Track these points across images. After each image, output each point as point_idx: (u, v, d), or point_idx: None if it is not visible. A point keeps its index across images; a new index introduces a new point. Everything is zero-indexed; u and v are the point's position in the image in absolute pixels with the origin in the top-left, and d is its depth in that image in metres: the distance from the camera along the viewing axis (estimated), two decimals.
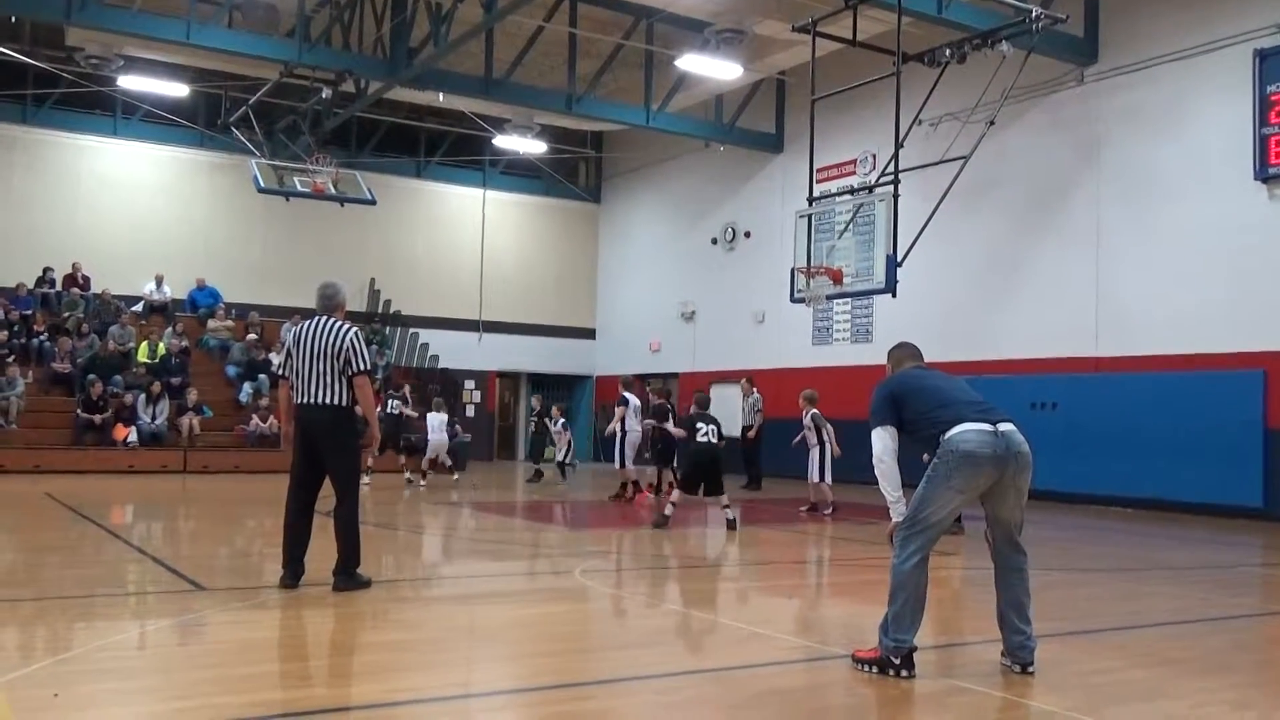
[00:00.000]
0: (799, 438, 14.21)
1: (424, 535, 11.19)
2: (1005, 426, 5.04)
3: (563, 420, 19.86)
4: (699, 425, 11.55)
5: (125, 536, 10.56)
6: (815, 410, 13.79)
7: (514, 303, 27.76)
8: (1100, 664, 5.50)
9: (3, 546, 9.75)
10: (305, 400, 7.06)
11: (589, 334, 28.94)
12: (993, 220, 18.32)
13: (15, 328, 21.10)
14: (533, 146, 23.94)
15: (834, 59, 17.24)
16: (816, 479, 13.76)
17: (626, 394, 15.51)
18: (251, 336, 23.11)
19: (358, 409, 7.18)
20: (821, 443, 13.79)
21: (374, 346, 23.73)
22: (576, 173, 29.07)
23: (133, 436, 19.57)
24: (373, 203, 20.10)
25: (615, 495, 15.41)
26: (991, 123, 14.18)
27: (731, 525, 11.57)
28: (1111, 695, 4.86)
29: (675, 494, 11.79)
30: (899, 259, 13.26)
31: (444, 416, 18.01)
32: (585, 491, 16.90)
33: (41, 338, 21.23)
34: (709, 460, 11.44)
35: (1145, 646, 6.05)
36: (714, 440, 11.50)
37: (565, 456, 19.58)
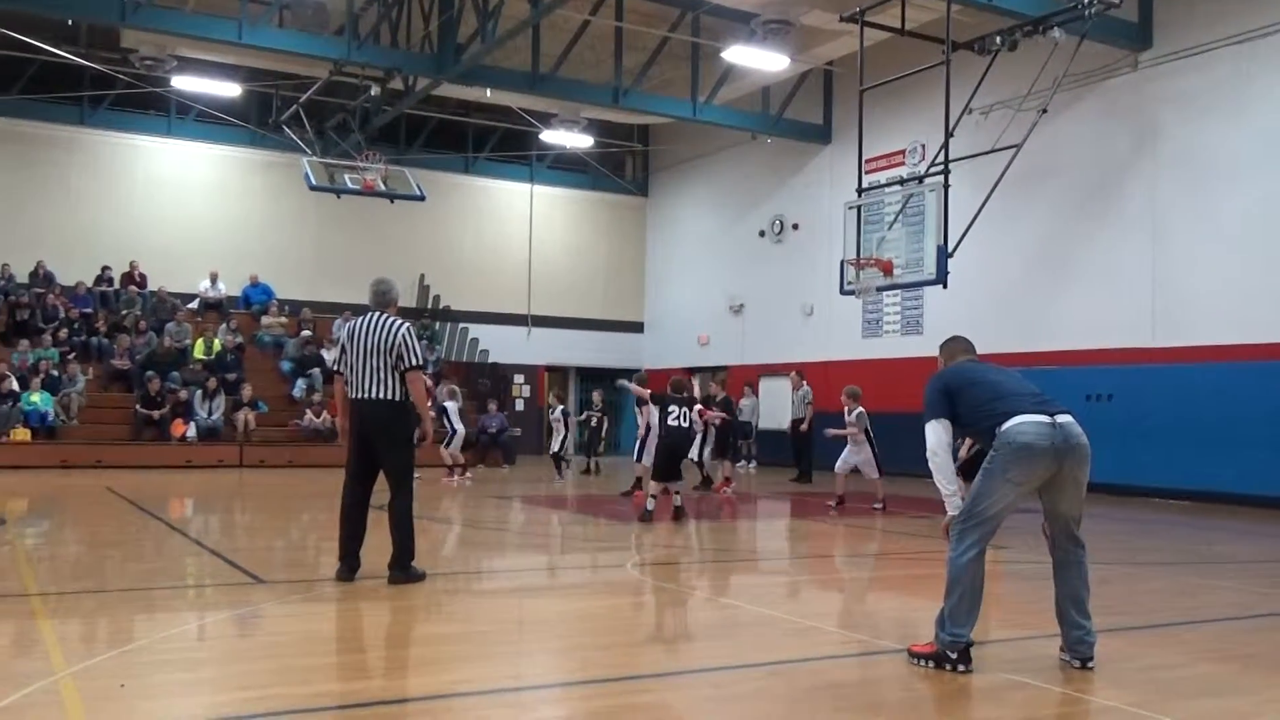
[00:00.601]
0: (837, 433, 13.76)
1: (476, 529, 11.26)
2: (1063, 418, 4.96)
3: (561, 408, 19.55)
4: (671, 409, 11.34)
5: (184, 530, 10.74)
6: (861, 409, 13.44)
7: (562, 297, 27.85)
8: (1163, 659, 5.41)
9: (67, 540, 9.96)
10: (360, 395, 7.13)
11: (637, 328, 28.96)
12: (1046, 210, 18.06)
13: (75, 326, 21.54)
14: (579, 140, 23.98)
15: (882, 48, 17.09)
16: (875, 475, 13.45)
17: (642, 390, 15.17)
18: (305, 333, 23.38)
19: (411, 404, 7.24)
20: (870, 439, 13.48)
21: (424, 342, 23.93)
22: (623, 166, 29.08)
23: (190, 432, 19.91)
24: (422, 199, 20.25)
25: (627, 492, 14.84)
26: (1044, 111, 14.00)
27: (679, 513, 11.29)
28: (1176, 690, 4.78)
29: (653, 486, 11.39)
30: (950, 250, 13.14)
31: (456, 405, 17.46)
32: (617, 485, 16.90)
33: (101, 335, 21.65)
34: (682, 444, 11.37)
35: (1209, 641, 5.94)
36: (685, 424, 11.36)
37: (560, 448, 19.02)
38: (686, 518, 11.40)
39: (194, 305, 23.50)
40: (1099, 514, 12.40)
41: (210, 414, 20.32)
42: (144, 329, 21.96)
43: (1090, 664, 5.04)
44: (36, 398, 19.05)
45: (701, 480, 16.40)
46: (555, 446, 19.11)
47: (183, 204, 24.15)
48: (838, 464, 13.56)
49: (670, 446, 11.35)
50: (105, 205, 23.54)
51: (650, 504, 11.16)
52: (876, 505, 13.26)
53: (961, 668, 4.93)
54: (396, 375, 7.11)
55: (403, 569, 7.14)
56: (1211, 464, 15.03)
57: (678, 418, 11.25)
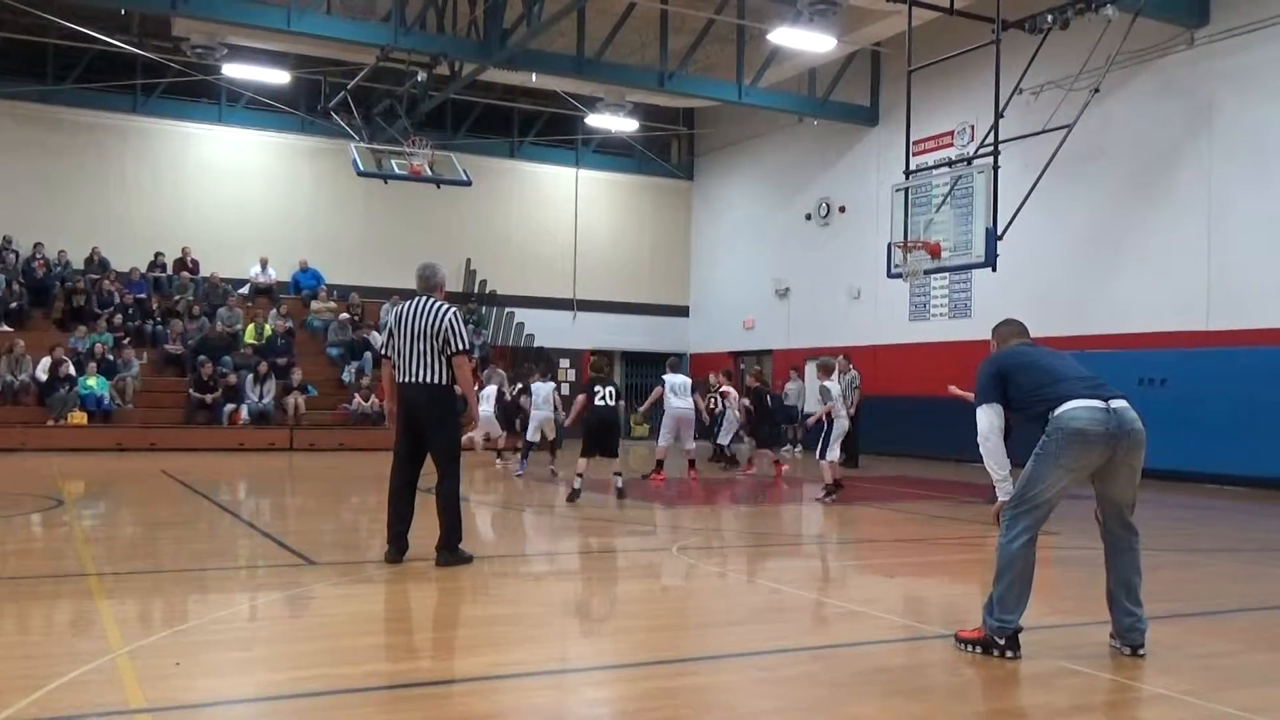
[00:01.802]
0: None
1: (523, 512, 11.34)
2: (1118, 403, 4.89)
3: (520, 386, 18.10)
4: (597, 389, 11.85)
5: (236, 512, 10.90)
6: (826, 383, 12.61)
7: (608, 281, 27.87)
8: (1217, 647, 5.33)
9: (123, 521, 10.16)
10: (407, 379, 7.19)
11: (683, 311, 28.92)
12: (1098, 191, 17.77)
13: (130, 311, 21.90)
14: (625, 124, 23.94)
15: (930, 28, 16.88)
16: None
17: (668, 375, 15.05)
18: (344, 316, 23.53)
19: (458, 388, 7.29)
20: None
21: (471, 326, 24.06)
22: (669, 150, 29.00)
23: (244, 415, 20.21)
24: (468, 184, 20.33)
25: (647, 475, 14.59)
26: (1096, 90, 13.77)
27: (620, 494, 11.83)
28: (1230, 678, 4.71)
29: (580, 463, 11.80)
30: (999, 232, 12.98)
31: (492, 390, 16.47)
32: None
33: (154, 320, 22.00)
34: (608, 423, 11.87)
35: (1264, 629, 5.84)
36: (610, 403, 11.88)
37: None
38: (625, 498, 11.86)
39: (245, 290, 23.80)
40: (1151, 500, 12.20)
41: (261, 398, 20.59)
42: (196, 314, 22.29)
43: (1141, 651, 4.98)
44: (93, 382, 19.41)
45: (727, 460, 17.30)
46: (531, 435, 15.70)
47: (233, 190, 24.45)
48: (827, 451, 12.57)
49: (594, 425, 11.87)
50: (158, 192, 23.89)
51: (577, 482, 11.61)
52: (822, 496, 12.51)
53: (1010, 654, 4.89)
54: (443, 359, 7.15)
55: (451, 551, 7.20)
56: (1267, 449, 14.73)
57: (603, 397, 11.82)
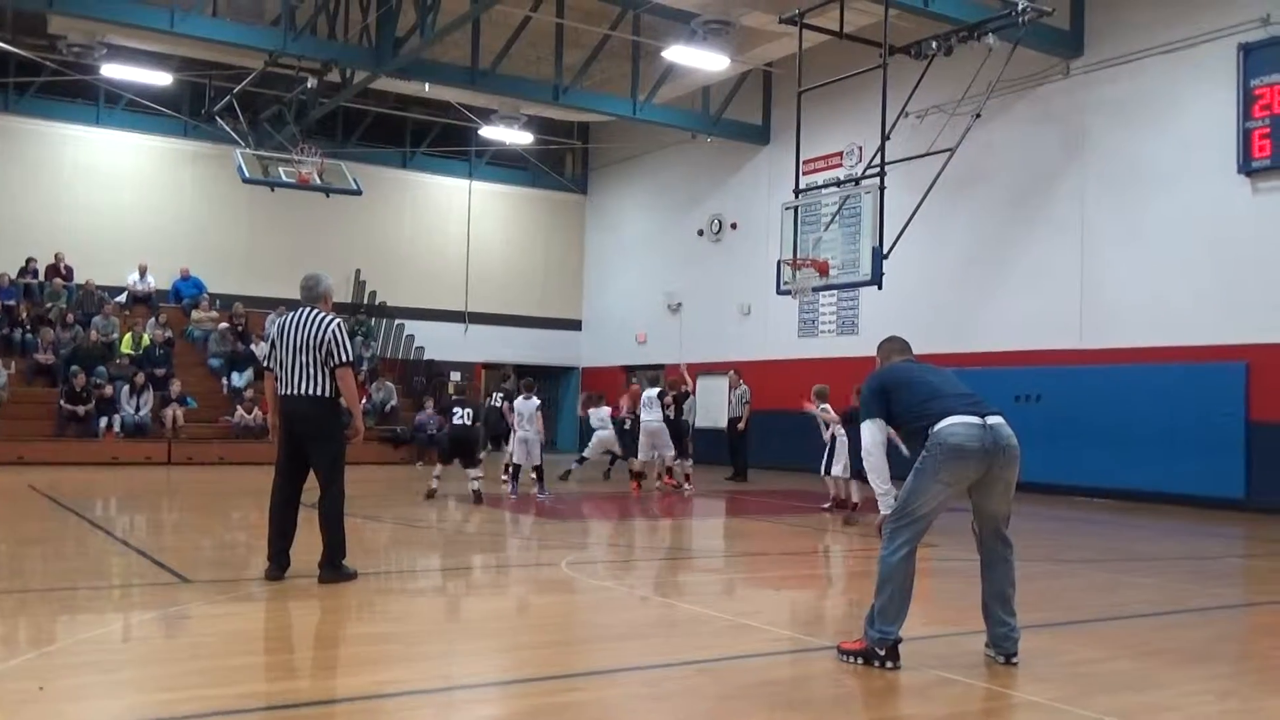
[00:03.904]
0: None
1: (409, 527, 11.17)
2: (994, 420, 5.05)
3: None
4: (455, 410, 13.45)
5: (109, 528, 10.51)
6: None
7: (500, 294, 27.68)
8: (1085, 654, 5.53)
9: None
10: (289, 392, 7.03)
11: (575, 325, 28.90)
12: (978, 213, 18.35)
13: None
14: (519, 137, 23.86)
15: (821, 51, 17.24)
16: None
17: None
18: (223, 325, 22.92)
19: (342, 401, 7.16)
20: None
21: (359, 338, 23.67)
22: (563, 163, 29.00)
23: (117, 427, 19.51)
24: (358, 193, 20.02)
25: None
26: (978, 115, 14.20)
27: (477, 498, 12.84)
28: (1098, 685, 4.89)
29: (437, 467, 13.84)
30: (885, 251, 13.28)
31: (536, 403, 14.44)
32: (571, 484, 16.87)
33: (24, 329, 21.10)
34: (464, 440, 13.33)
35: (1130, 637, 6.08)
36: (467, 422, 13.35)
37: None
38: (481, 503, 12.75)
39: (122, 299, 22.99)
40: (1026, 512, 12.63)
41: (138, 410, 19.90)
42: (70, 322, 21.44)
43: (1015, 660, 5.14)
44: None
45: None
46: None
47: (111, 195, 23.60)
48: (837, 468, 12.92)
49: (454, 440, 13.45)
50: (30, 195, 22.92)
51: (434, 483, 13.52)
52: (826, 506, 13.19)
53: (890, 664, 4.99)
54: (326, 371, 7.01)
55: (333, 567, 7.06)
56: (1135, 463, 15.39)
57: (461, 417, 13.33)
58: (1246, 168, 14.76)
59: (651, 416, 15.62)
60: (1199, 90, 15.52)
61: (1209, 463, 14.66)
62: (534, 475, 14.28)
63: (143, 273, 23.38)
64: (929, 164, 13.98)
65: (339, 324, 7.14)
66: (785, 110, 21.45)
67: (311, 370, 6.99)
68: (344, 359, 7.06)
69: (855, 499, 12.19)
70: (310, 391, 6.99)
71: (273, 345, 7.17)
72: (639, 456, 15.85)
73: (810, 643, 5.78)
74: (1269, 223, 14.64)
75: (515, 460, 14.47)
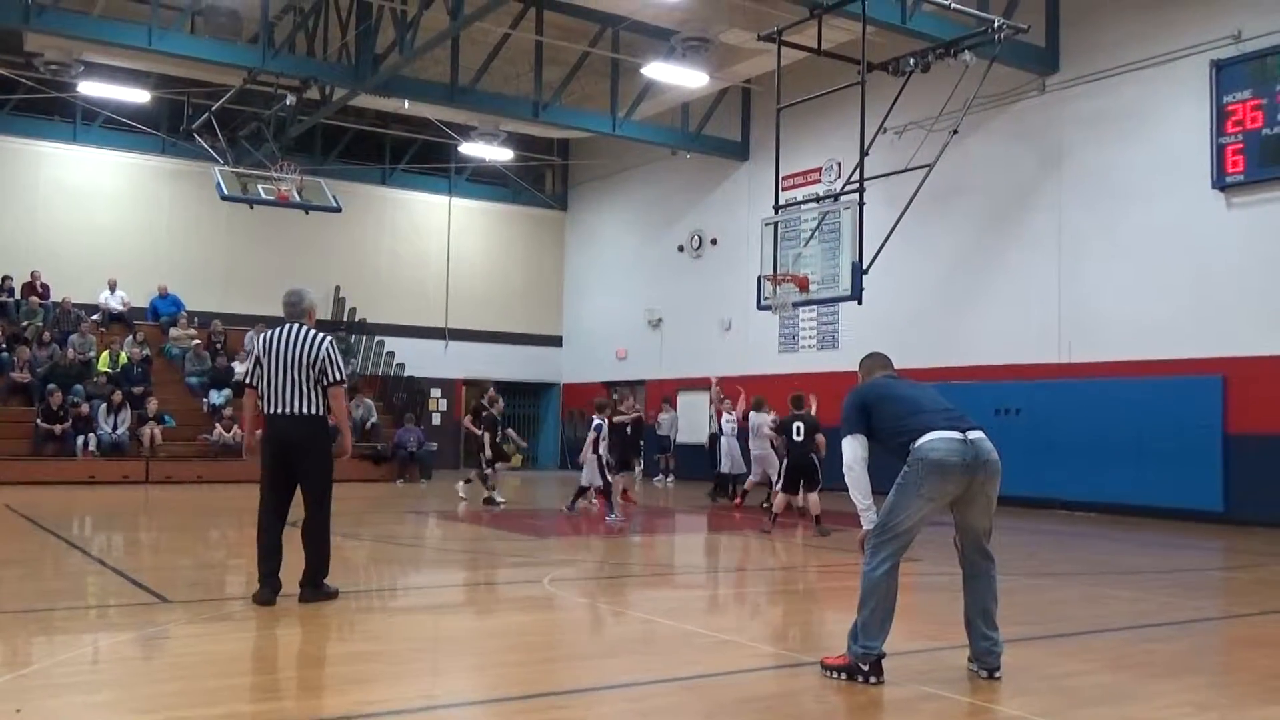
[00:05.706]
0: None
1: (391, 545, 11.11)
2: (975, 434, 5.07)
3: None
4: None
5: (86, 548, 10.41)
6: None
7: (480, 310, 27.65)
8: (1067, 668, 5.55)
9: None
10: (279, 410, 6.90)
11: (556, 341, 28.89)
12: (957, 228, 18.47)
13: None
14: (499, 154, 23.89)
15: (799, 68, 17.35)
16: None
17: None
18: (196, 342, 22.77)
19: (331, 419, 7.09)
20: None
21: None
22: (543, 180, 29.04)
23: (93, 446, 19.34)
24: (338, 210, 19.98)
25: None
26: (955, 131, 14.29)
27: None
28: (1079, 699, 4.90)
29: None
30: (864, 266, 13.33)
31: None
32: (553, 500, 16.83)
33: (0, 347, 20.92)
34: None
35: (1111, 650, 6.11)
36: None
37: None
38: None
39: (99, 317, 22.81)
40: (1007, 526, 12.68)
41: (115, 428, 19.75)
42: (47, 340, 21.27)
43: (998, 674, 5.15)
44: None
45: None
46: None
47: (89, 212, 23.46)
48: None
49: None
50: (6, 213, 22.77)
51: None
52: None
53: (873, 679, 5.00)
54: (319, 390, 6.94)
55: (315, 586, 6.99)
56: (1115, 477, 15.49)
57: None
58: (1220, 183, 14.93)
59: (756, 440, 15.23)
60: (1173, 106, 15.69)
61: (1187, 475, 14.77)
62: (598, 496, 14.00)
63: (113, 288, 23.17)
64: (908, 179, 14.06)
65: (332, 341, 7.08)
66: (764, 126, 21.58)
67: (304, 388, 6.89)
68: (338, 377, 7.00)
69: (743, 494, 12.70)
70: (303, 410, 6.89)
71: (257, 362, 7.04)
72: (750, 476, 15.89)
73: (794, 658, 5.77)
74: (1244, 237, 14.81)
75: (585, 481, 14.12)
